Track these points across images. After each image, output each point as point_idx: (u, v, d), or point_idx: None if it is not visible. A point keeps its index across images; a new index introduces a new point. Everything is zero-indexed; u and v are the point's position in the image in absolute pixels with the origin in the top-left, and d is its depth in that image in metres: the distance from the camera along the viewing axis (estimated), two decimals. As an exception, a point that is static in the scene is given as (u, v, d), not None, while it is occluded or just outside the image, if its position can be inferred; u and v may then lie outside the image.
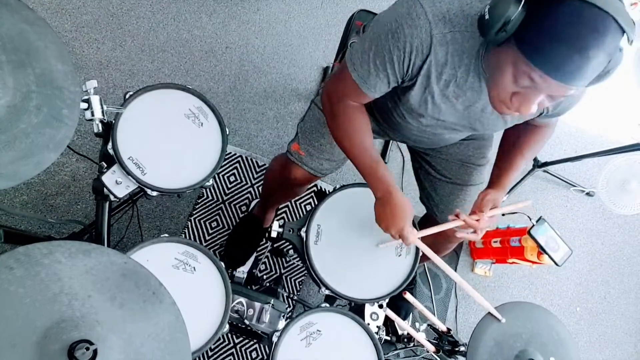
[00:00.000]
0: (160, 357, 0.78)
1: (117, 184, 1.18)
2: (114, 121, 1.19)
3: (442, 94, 1.06)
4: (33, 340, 0.69)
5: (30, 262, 0.73)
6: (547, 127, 1.26)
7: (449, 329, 1.32)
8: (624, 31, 0.79)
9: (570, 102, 1.11)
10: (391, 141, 2.18)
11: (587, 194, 2.46)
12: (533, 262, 1.89)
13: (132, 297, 0.79)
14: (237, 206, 1.95)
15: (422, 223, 1.48)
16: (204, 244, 1.87)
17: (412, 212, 1.12)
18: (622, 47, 0.83)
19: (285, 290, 1.86)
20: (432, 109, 1.11)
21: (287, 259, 1.92)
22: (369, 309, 1.26)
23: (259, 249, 1.86)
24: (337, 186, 1.31)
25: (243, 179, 1.99)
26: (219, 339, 1.68)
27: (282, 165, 1.39)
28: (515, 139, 1.26)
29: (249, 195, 1.97)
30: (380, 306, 1.26)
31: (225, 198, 1.94)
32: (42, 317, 0.71)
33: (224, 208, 1.93)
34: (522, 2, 0.81)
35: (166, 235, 1.18)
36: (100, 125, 1.15)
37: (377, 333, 1.22)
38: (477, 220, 1.14)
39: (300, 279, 1.94)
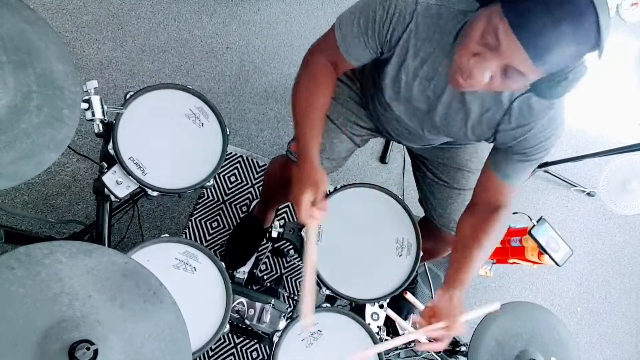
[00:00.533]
0: (161, 357, 0.78)
1: (117, 184, 1.18)
2: (114, 121, 1.19)
3: (415, 74, 1.06)
4: (34, 340, 0.69)
5: (31, 262, 0.73)
6: (503, 210, 1.16)
7: (449, 329, 1.32)
8: (599, 32, 0.77)
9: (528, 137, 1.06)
10: (392, 142, 2.18)
11: (588, 194, 2.45)
12: (534, 262, 1.89)
13: (132, 297, 0.79)
14: (237, 206, 1.95)
15: (420, 225, 1.47)
16: (205, 244, 1.87)
17: (316, 182, 1.05)
18: (587, 66, 0.83)
19: (285, 291, 1.86)
20: (404, 88, 1.10)
21: (288, 259, 1.92)
22: (369, 309, 1.26)
23: (259, 249, 1.86)
24: (338, 186, 1.31)
25: (244, 179, 1.99)
26: (220, 339, 1.68)
27: (282, 165, 1.39)
28: (470, 227, 1.16)
29: (249, 195, 1.97)
30: (381, 306, 1.26)
31: (225, 198, 1.94)
32: (43, 317, 0.71)
33: (224, 208, 1.93)
34: None
35: (167, 235, 1.18)
36: (100, 125, 1.15)
37: (377, 333, 1.22)
38: (446, 327, 1.00)
39: (300, 279, 1.94)
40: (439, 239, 1.46)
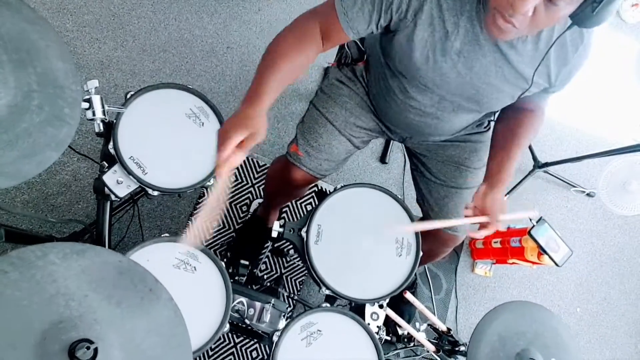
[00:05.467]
0: (162, 352, 0.78)
1: (118, 184, 1.18)
2: (115, 121, 1.19)
3: (442, 50, 1.03)
4: (33, 342, 0.69)
5: (24, 265, 0.73)
6: (539, 111, 1.25)
7: (449, 329, 1.32)
8: None
9: (568, 72, 1.10)
10: (392, 142, 2.18)
11: (588, 194, 2.45)
12: (533, 263, 1.89)
13: (129, 295, 0.79)
14: (238, 206, 1.95)
15: None
16: (205, 244, 1.87)
17: (256, 126, 0.92)
18: None
19: (285, 290, 1.86)
20: (433, 66, 1.07)
21: (288, 259, 1.92)
22: (369, 308, 1.26)
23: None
24: (338, 186, 1.31)
25: (244, 178, 1.99)
26: (220, 339, 1.68)
27: (282, 167, 1.39)
28: (507, 126, 1.23)
29: (249, 195, 1.97)
30: (381, 306, 1.26)
31: (226, 198, 1.94)
32: (41, 318, 0.71)
33: (224, 208, 1.93)
34: None
35: (167, 234, 1.18)
36: (101, 124, 1.15)
37: (377, 333, 1.22)
38: (486, 222, 1.13)
39: (300, 279, 1.94)
40: (438, 240, 1.46)
